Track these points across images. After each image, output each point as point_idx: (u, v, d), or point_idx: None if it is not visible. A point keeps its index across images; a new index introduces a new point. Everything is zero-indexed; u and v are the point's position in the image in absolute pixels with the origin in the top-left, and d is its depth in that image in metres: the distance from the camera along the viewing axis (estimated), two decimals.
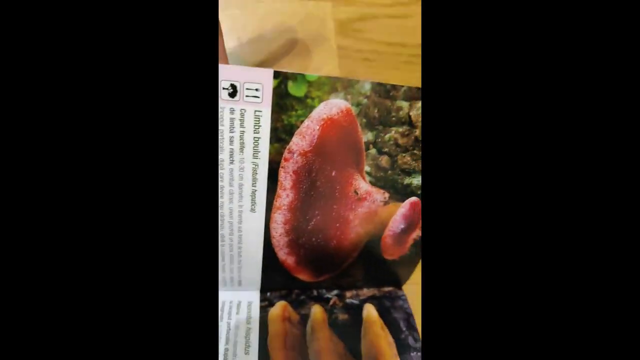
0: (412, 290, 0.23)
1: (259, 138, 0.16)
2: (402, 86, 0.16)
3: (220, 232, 0.18)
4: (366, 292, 0.22)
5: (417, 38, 0.27)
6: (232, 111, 0.15)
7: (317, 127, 0.16)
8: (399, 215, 0.19)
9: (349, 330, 0.20)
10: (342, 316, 0.21)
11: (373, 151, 0.17)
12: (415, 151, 0.17)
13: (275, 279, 0.20)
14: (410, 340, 0.21)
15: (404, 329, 0.21)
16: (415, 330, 0.21)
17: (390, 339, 0.20)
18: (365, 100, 0.16)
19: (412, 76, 0.27)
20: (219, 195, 0.17)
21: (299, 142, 0.16)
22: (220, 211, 0.17)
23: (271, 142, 0.16)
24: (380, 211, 0.19)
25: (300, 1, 0.26)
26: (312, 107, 0.16)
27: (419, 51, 0.26)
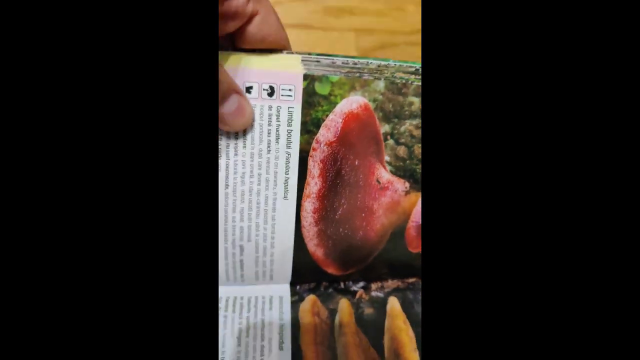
0: None
1: (291, 130, 0.19)
2: (412, 83, 0.19)
3: (255, 220, 0.20)
4: (391, 283, 0.22)
5: None
6: (270, 108, 0.19)
7: (340, 120, 0.19)
8: (420, 205, 0.20)
9: (373, 324, 0.21)
10: (367, 310, 0.21)
11: (391, 142, 0.20)
12: None
13: (304, 273, 0.21)
14: None
15: None
16: None
17: (411, 333, 0.21)
18: (380, 97, 0.19)
19: None
20: (257, 182, 0.19)
21: (325, 133, 0.19)
22: (256, 198, 0.20)
23: (301, 134, 0.19)
24: (402, 201, 0.20)
25: (325, 32, 0.30)
26: (335, 103, 0.19)
27: None
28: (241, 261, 0.21)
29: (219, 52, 0.18)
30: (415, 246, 0.21)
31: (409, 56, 0.20)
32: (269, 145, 0.19)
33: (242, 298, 0.21)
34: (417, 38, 0.31)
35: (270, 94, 0.19)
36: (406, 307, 0.22)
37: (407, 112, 0.19)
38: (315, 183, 0.20)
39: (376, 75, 0.19)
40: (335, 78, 0.19)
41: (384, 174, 0.20)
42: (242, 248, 0.21)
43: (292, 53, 0.18)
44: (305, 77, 0.19)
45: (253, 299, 0.21)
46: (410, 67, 0.19)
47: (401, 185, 0.20)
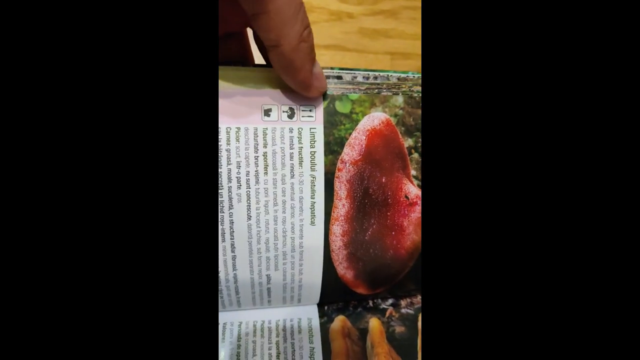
0: None
1: (314, 152, 0.18)
2: None
3: (282, 250, 0.19)
4: (420, 299, 0.22)
5: None
6: (291, 130, 0.18)
7: (364, 138, 0.18)
8: None
9: (406, 342, 0.20)
10: (399, 329, 0.21)
11: (415, 155, 0.19)
12: None
13: (332, 294, 0.20)
14: None
15: None
16: None
17: None
18: (400, 111, 0.19)
19: None
20: (282, 210, 0.18)
21: (350, 152, 0.18)
22: (282, 227, 0.19)
23: (325, 155, 0.18)
24: None
25: (360, 54, 0.29)
26: (357, 121, 0.18)
27: None
28: (268, 289, 0.20)
29: (233, 67, 0.18)
30: None
31: None
32: (292, 170, 0.18)
33: (269, 322, 0.20)
34: None
35: (290, 116, 0.18)
36: None
37: None
38: (343, 205, 0.19)
39: (394, 90, 0.19)
40: (355, 96, 0.18)
41: (412, 189, 0.19)
42: (269, 277, 0.19)
43: None
44: (325, 96, 0.18)
45: (281, 322, 0.20)
46: None
47: None
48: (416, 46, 0.31)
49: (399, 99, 0.19)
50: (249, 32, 0.20)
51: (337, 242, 0.19)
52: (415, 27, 0.31)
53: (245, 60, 0.21)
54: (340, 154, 0.18)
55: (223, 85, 0.17)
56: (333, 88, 0.18)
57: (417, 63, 0.31)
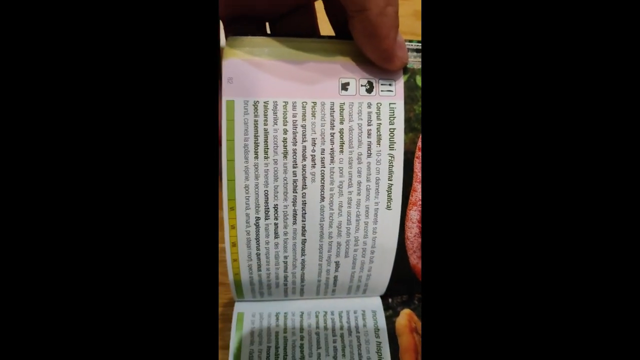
0: None
1: (394, 129, 0.17)
2: None
3: (354, 235, 0.18)
4: None
5: None
6: (369, 105, 0.17)
7: None
8: None
9: None
10: None
11: None
12: None
13: (400, 286, 0.19)
14: None
15: None
16: None
17: None
18: None
19: None
20: (357, 192, 0.17)
21: None
22: (356, 210, 0.17)
23: (405, 132, 0.17)
24: None
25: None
26: None
27: None
28: (335, 277, 0.18)
29: (308, 39, 0.17)
30: None
31: None
32: (369, 148, 0.17)
33: (332, 313, 0.19)
34: None
35: (369, 90, 0.16)
36: None
37: None
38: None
39: None
40: None
41: None
42: (337, 264, 0.18)
43: None
44: (405, 70, 0.17)
45: (345, 313, 0.19)
46: None
47: None
48: None
49: None
50: (317, 4, 0.19)
51: (413, 229, 0.18)
52: None
53: (313, 34, 0.20)
54: (421, 132, 0.17)
55: (299, 56, 0.16)
56: (413, 61, 0.17)
57: None
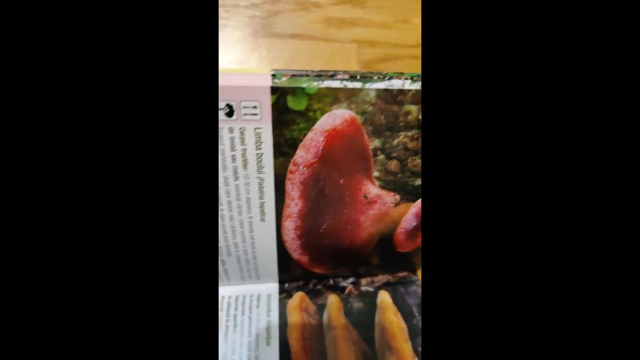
0: None
1: (262, 154, 0.16)
2: (410, 90, 0.15)
3: (233, 240, 0.18)
4: (381, 278, 0.22)
5: None
6: (230, 130, 0.15)
7: (321, 139, 0.15)
8: (411, 213, 0.19)
9: (363, 317, 0.21)
10: (357, 304, 0.22)
11: (381, 157, 0.17)
12: None
13: (292, 272, 0.21)
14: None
15: (416, 314, 0.22)
16: None
17: (403, 324, 0.21)
18: (370, 108, 0.15)
19: None
20: (228, 209, 0.17)
21: (304, 155, 0.16)
22: (230, 223, 0.18)
23: (275, 157, 0.16)
24: (391, 212, 0.18)
25: (326, 43, 0.27)
26: (314, 120, 0.15)
27: None
28: (225, 270, 0.20)
29: None
30: (403, 247, 0.21)
31: (412, 69, 0.16)
32: (235, 172, 0.16)
33: (229, 297, 0.21)
34: (420, 51, 0.28)
35: (229, 114, 0.14)
36: (397, 300, 0.22)
37: (402, 124, 0.16)
38: (296, 204, 0.17)
39: (366, 79, 0.15)
40: (313, 89, 0.14)
41: (372, 190, 0.18)
42: (223, 262, 0.19)
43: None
44: (274, 90, 0.14)
45: (241, 297, 0.21)
46: (409, 75, 0.15)
47: (391, 197, 0.18)
48: (384, 35, 0.30)
49: (371, 93, 0.15)
50: None
51: (290, 234, 0.19)
52: (382, 16, 0.30)
53: None
54: (292, 156, 0.16)
55: None
56: (285, 81, 0.14)
57: (384, 51, 0.28)
